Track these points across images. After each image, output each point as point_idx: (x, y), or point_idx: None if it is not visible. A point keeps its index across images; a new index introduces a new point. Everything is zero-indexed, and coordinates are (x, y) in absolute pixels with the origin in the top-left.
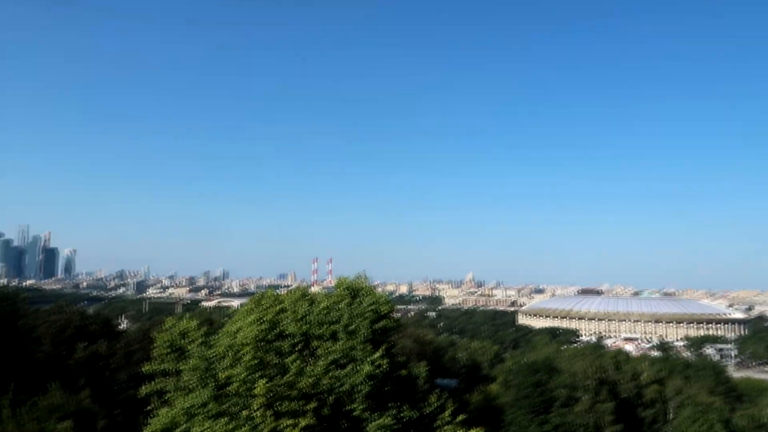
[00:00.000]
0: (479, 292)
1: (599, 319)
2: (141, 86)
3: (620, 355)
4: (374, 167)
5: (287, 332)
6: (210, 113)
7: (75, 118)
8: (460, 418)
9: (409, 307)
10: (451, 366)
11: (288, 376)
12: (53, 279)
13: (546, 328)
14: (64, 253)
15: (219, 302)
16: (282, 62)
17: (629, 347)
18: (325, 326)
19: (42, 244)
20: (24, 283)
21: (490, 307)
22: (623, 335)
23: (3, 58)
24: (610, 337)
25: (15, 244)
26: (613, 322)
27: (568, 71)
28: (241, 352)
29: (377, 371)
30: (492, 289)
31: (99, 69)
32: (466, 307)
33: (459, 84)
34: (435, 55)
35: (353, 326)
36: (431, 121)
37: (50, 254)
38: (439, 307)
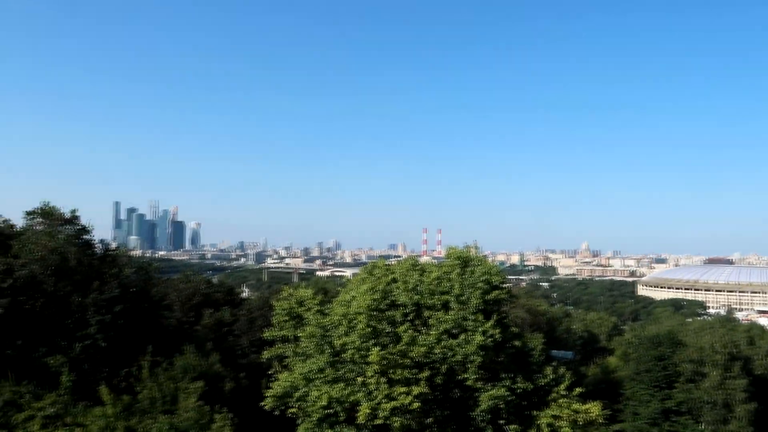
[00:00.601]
0: (595, 262)
1: (729, 291)
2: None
3: (754, 330)
4: (484, 134)
5: (399, 302)
6: (317, 99)
7: (198, 101)
8: (577, 391)
9: (520, 277)
10: (566, 338)
11: (401, 344)
12: (181, 250)
13: (669, 300)
14: (190, 225)
15: (332, 272)
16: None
17: (764, 321)
18: (436, 296)
19: (171, 217)
20: (156, 254)
21: (607, 278)
22: (757, 308)
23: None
24: (742, 310)
25: (147, 218)
26: (746, 294)
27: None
28: (355, 321)
29: (489, 341)
30: (609, 258)
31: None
32: (580, 278)
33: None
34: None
35: (465, 296)
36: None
37: (178, 227)
38: (553, 278)
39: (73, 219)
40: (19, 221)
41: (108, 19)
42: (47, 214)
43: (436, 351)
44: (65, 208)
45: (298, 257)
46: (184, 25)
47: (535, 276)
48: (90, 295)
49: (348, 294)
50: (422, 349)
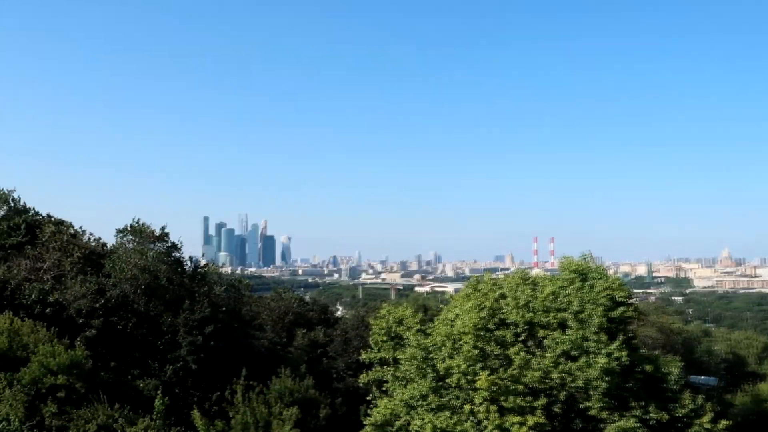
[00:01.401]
0: (738, 272)
1: None
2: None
3: None
4: (602, 129)
5: (509, 320)
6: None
7: (286, 110)
8: (723, 424)
9: (649, 291)
10: (706, 361)
11: (512, 368)
12: (272, 266)
13: None
14: (280, 240)
15: (432, 287)
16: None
17: None
18: (551, 314)
19: (261, 232)
20: (246, 271)
21: (754, 290)
22: None
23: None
24: None
25: (237, 233)
26: None
27: None
28: (461, 342)
29: (615, 365)
30: (755, 268)
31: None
32: (721, 291)
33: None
34: None
35: (585, 314)
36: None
37: (268, 242)
38: (687, 291)
39: (164, 236)
40: (110, 239)
41: (200, 26)
42: (138, 231)
43: (554, 376)
44: (155, 225)
45: (394, 272)
46: (280, 30)
47: (666, 289)
48: (181, 315)
49: (451, 312)
50: (537, 374)
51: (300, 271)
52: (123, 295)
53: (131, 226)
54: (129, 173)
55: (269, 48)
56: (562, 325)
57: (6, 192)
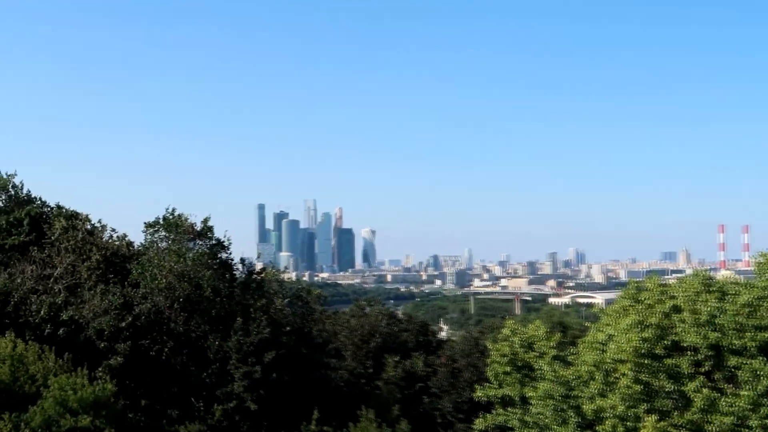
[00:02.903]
0: None
1: None
2: None
3: None
4: None
5: (685, 343)
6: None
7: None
8: None
9: None
10: None
11: (691, 411)
12: (350, 271)
13: None
14: (361, 234)
15: (573, 298)
16: None
17: None
18: (747, 334)
19: (334, 224)
20: (316, 277)
21: None
22: None
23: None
24: None
25: (303, 225)
26: None
27: None
28: (616, 374)
29: None
30: None
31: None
32: None
33: None
34: None
35: None
36: None
37: (345, 237)
38: None
39: (207, 231)
40: (137, 236)
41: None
42: (173, 225)
43: (753, 423)
44: (195, 216)
45: (519, 276)
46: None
47: None
48: (232, 337)
49: (602, 332)
50: (728, 420)
51: (388, 277)
52: (156, 311)
53: (164, 218)
54: (161, 151)
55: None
56: (764, 350)
57: (5, 177)
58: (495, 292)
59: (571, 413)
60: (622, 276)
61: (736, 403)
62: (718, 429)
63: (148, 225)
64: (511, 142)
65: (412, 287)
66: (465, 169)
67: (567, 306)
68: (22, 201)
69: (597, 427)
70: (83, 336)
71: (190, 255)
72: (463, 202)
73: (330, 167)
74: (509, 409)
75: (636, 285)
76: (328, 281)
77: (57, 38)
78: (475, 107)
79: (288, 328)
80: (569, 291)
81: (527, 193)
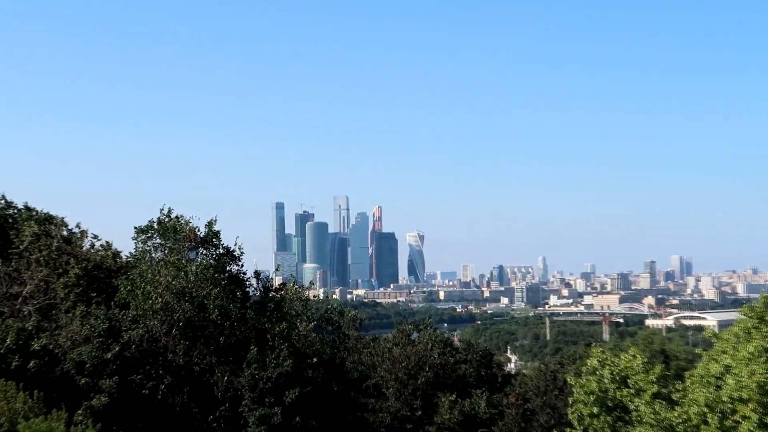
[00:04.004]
0: None
1: None
2: None
3: None
4: None
5: None
6: None
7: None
8: None
9: None
10: None
11: None
12: (392, 287)
13: None
14: (406, 241)
15: (678, 318)
16: None
17: None
18: None
19: (372, 227)
20: (350, 294)
21: None
22: None
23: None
24: None
25: (332, 230)
26: None
27: None
28: (735, 416)
29: None
30: None
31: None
32: None
33: None
34: None
35: None
36: None
37: (386, 245)
38: None
39: (212, 238)
40: (126, 245)
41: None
42: (170, 231)
43: None
44: (197, 220)
45: (608, 292)
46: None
47: None
48: (246, 370)
49: (716, 362)
50: None
51: (441, 294)
52: (150, 338)
53: (159, 221)
54: (153, 143)
55: None
56: None
57: None
58: (577, 313)
59: None
60: (741, 291)
61: None
62: None
63: (140, 230)
64: (595, 130)
65: (471, 307)
66: (536, 163)
67: (670, 329)
68: None
69: None
70: (59, 370)
71: (192, 268)
72: (536, 201)
73: (366, 157)
74: None
75: (765, 301)
76: (365, 300)
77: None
78: (552, 93)
79: (315, 360)
80: (672, 310)
81: (617, 191)
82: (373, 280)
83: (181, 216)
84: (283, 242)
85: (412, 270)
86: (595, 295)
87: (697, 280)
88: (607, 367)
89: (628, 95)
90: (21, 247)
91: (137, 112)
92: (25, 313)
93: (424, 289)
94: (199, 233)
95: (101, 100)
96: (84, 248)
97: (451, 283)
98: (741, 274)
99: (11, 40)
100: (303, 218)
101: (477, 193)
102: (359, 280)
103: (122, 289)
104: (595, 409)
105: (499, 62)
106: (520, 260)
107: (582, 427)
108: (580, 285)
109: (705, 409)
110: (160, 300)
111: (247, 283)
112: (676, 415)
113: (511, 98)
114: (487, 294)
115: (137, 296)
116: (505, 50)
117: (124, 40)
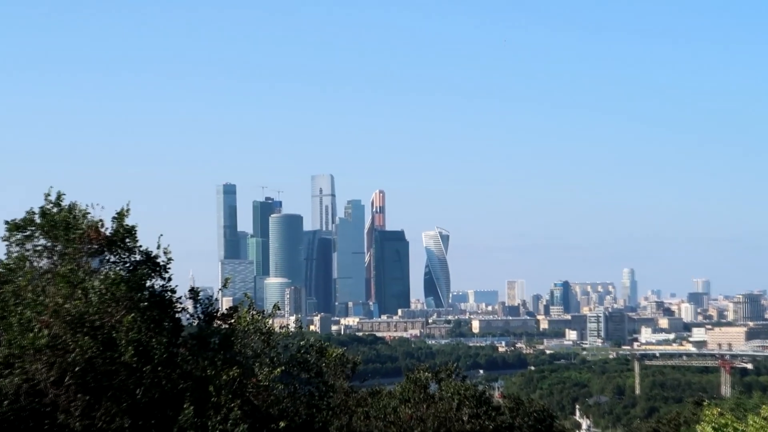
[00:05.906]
0: None
1: None
2: None
3: None
4: None
5: None
6: None
7: None
8: None
9: None
10: None
11: None
12: (400, 312)
13: None
14: (422, 242)
15: None
16: None
17: None
18: None
19: (369, 222)
20: (335, 324)
21: None
22: None
23: None
24: None
25: (309, 225)
26: None
27: None
28: None
29: None
30: None
31: None
32: None
33: None
34: None
35: None
36: None
37: (391, 249)
38: None
39: (124, 237)
40: None
41: None
42: (59, 226)
43: None
44: (101, 210)
45: (729, 323)
46: None
47: None
48: None
49: None
50: None
51: (474, 324)
52: (30, 391)
53: (43, 213)
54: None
55: None
56: None
57: None
58: (682, 354)
59: None
60: None
61: None
62: None
63: (13, 226)
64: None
65: (519, 343)
66: (615, 140)
67: None
68: None
69: None
70: None
71: (95, 283)
72: (616, 188)
73: (360, 117)
74: None
75: None
76: (360, 333)
77: None
78: None
79: (282, 425)
80: None
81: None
82: (371, 303)
83: (76, 204)
84: (234, 244)
85: (430, 288)
86: (709, 327)
87: None
88: None
89: None
90: None
91: None
92: None
93: (449, 318)
94: (104, 230)
95: None
96: None
97: (489, 308)
98: None
99: None
100: (265, 208)
101: (527, 175)
102: (350, 304)
103: None
104: None
105: None
106: (595, 274)
107: None
108: (686, 312)
109: None
110: (45, 332)
111: (179, 306)
112: None
113: None
114: (545, 325)
115: (11, 326)
116: None
117: None
